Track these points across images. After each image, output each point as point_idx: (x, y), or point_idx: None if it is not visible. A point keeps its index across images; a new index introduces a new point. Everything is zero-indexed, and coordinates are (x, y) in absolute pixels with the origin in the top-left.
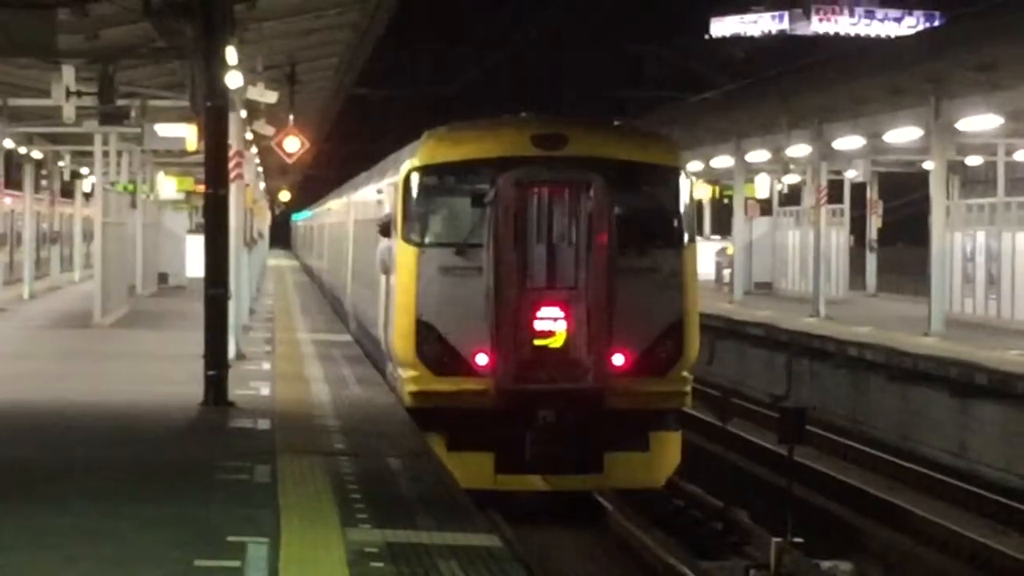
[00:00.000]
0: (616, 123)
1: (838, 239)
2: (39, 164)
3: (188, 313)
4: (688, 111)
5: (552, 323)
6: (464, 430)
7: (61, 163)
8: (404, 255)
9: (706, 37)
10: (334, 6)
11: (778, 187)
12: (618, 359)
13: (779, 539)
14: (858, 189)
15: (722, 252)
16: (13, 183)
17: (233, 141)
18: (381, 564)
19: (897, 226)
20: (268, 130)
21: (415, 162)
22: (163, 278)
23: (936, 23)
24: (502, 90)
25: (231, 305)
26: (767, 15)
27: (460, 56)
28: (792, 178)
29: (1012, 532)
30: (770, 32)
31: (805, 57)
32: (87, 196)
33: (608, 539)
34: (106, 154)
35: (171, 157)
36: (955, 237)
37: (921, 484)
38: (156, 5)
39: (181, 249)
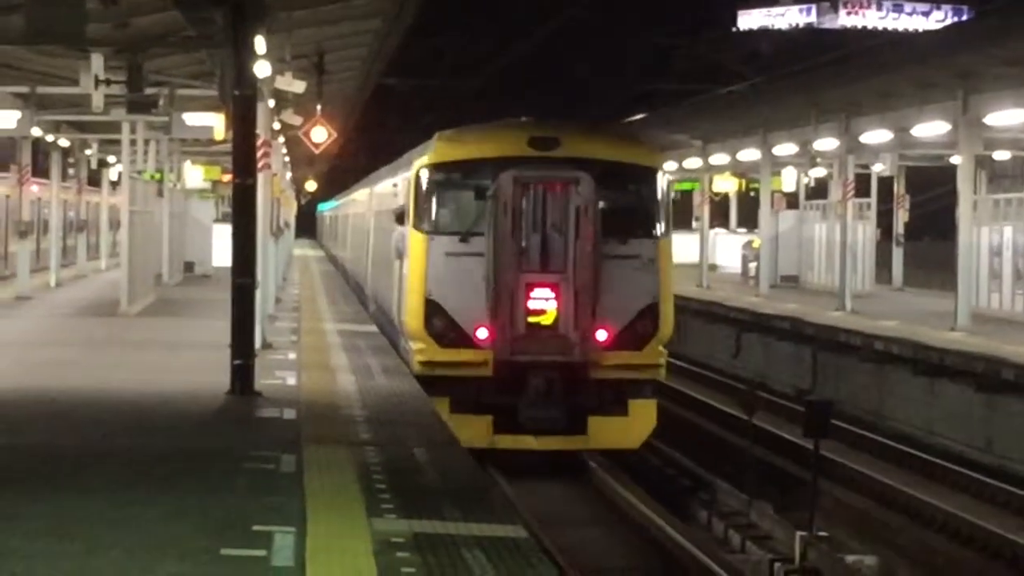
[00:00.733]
0: (603, 126)
1: (865, 233)
2: (66, 152)
3: (214, 302)
4: (715, 104)
5: (544, 303)
6: (466, 395)
7: (88, 151)
8: (415, 241)
9: (733, 30)
10: None
11: (805, 180)
12: (601, 335)
13: (804, 532)
14: (885, 183)
15: (748, 245)
16: (40, 171)
17: (261, 131)
18: (407, 554)
19: (924, 220)
20: (296, 120)
21: (425, 160)
22: (189, 267)
23: (964, 17)
24: (528, 81)
25: (258, 294)
26: (794, 8)
27: (487, 47)
28: (819, 172)
29: None
30: (797, 25)
31: (832, 51)
32: (114, 184)
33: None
34: (133, 143)
35: (198, 146)
36: (982, 232)
37: (947, 479)
38: None
39: (207, 238)
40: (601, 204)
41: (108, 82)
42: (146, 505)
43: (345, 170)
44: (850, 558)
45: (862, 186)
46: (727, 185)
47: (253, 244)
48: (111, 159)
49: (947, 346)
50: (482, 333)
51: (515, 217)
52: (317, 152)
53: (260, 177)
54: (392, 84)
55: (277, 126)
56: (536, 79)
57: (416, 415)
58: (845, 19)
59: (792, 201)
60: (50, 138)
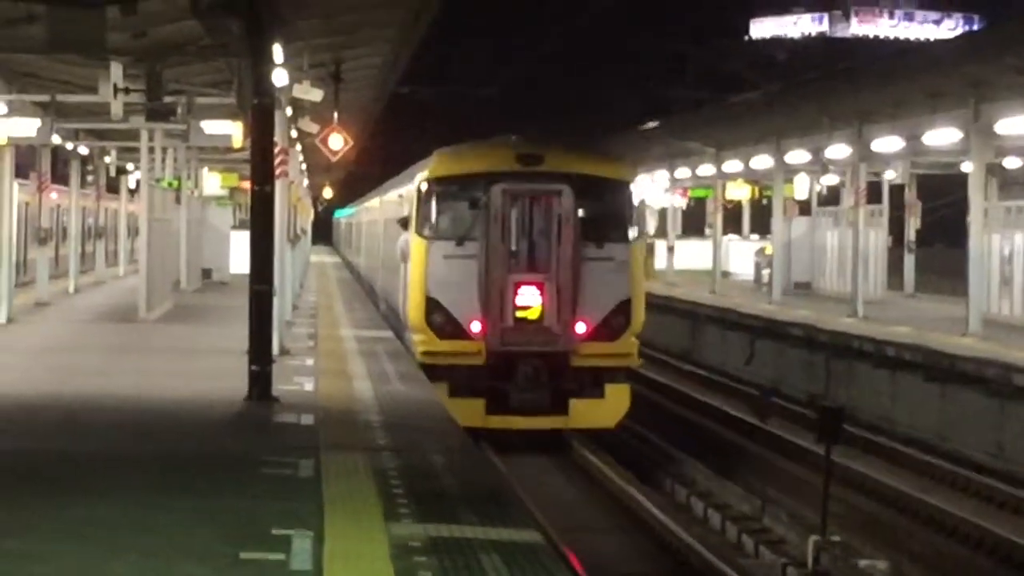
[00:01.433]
0: (582, 144)
1: (876, 240)
2: (85, 160)
3: (232, 308)
4: (728, 112)
5: (530, 299)
6: (462, 381)
7: (107, 159)
8: (417, 245)
9: (746, 39)
10: (379, 4)
11: (817, 188)
12: (581, 327)
13: (817, 537)
14: (897, 190)
15: (761, 252)
16: (60, 178)
17: (278, 138)
18: (424, 558)
19: (935, 227)
20: (313, 127)
21: (426, 174)
22: (207, 274)
23: (975, 26)
24: (543, 89)
25: (275, 301)
26: (807, 17)
27: (503, 55)
28: (831, 179)
29: None
30: (810, 34)
31: (845, 59)
32: (132, 192)
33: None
34: (152, 150)
35: (216, 154)
36: (993, 239)
37: (957, 484)
38: (204, 3)
39: (225, 245)
40: (580, 213)
41: (127, 91)
42: (165, 509)
43: (361, 177)
44: (863, 562)
45: (874, 193)
46: (740, 192)
47: (271, 251)
48: (129, 166)
49: (958, 352)
50: (476, 326)
51: (504, 224)
52: (334, 159)
53: (277, 184)
54: (407, 92)
55: (294, 134)
56: (550, 87)
57: (433, 420)
58: (857, 28)
59: (805, 208)
60: (69, 146)
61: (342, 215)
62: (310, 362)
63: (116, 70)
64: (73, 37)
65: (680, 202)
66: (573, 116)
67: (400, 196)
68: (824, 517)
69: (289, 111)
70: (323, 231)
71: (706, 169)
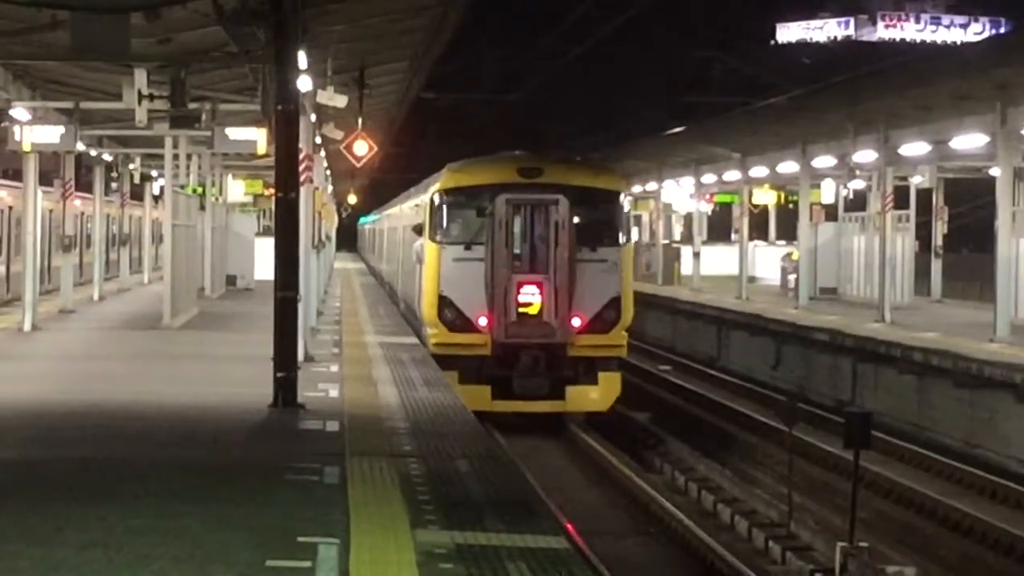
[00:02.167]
0: (578, 158)
1: (903, 245)
2: (109, 167)
3: (256, 315)
4: (754, 117)
5: (531, 297)
6: (470, 370)
7: (131, 166)
8: (430, 249)
9: (772, 43)
10: (404, 10)
11: (843, 192)
12: (576, 322)
13: (844, 543)
14: (924, 195)
15: (787, 257)
16: (84, 185)
17: (303, 145)
18: (450, 565)
19: (962, 232)
20: (337, 134)
21: (438, 186)
22: (231, 280)
23: (1002, 30)
24: (567, 95)
25: (300, 307)
26: (833, 21)
27: (527, 61)
28: (858, 184)
29: None
30: (836, 38)
31: (871, 63)
32: (156, 198)
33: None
34: (176, 157)
35: (240, 160)
36: (1021, 243)
37: (986, 490)
38: (228, 10)
39: (249, 252)
40: (575, 220)
41: (151, 97)
42: (191, 516)
43: (386, 183)
44: (891, 569)
45: (901, 198)
46: (766, 198)
47: (295, 257)
48: (154, 173)
49: (987, 357)
50: (483, 321)
51: (508, 230)
52: (359, 166)
53: (302, 191)
54: (432, 98)
55: (318, 140)
56: (574, 93)
57: (458, 426)
58: (883, 32)
59: (831, 213)
60: (93, 153)
61: (366, 222)
62: (335, 368)
63: (140, 76)
64: (97, 43)
65: (706, 208)
66: (597, 123)
67: (416, 206)
68: (852, 523)
69: (313, 117)
70: (348, 237)
71: (732, 174)
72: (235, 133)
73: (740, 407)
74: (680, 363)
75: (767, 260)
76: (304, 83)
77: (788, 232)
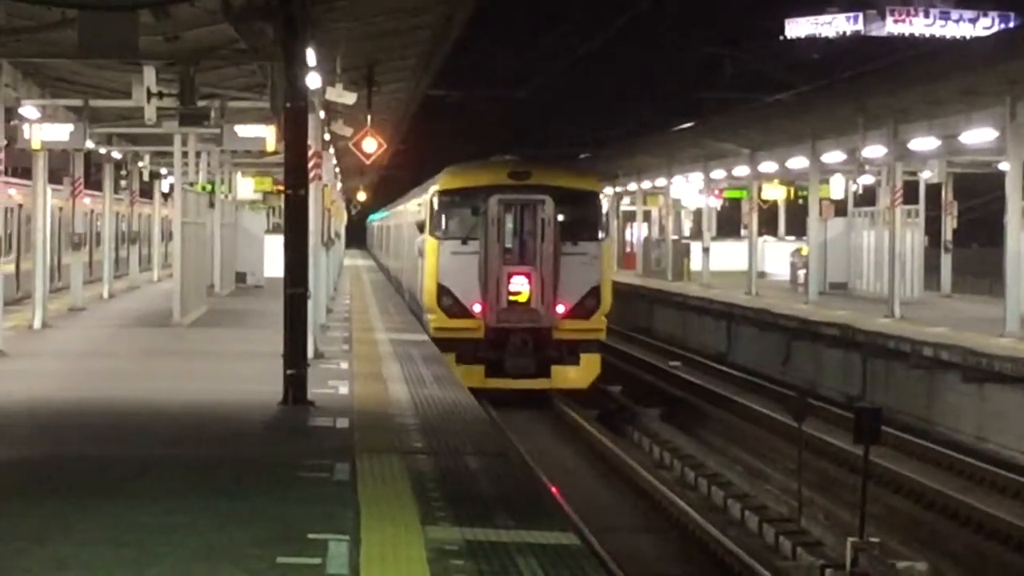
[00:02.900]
0: (562, 162)
1: (913, 240)
2: (119, 164)
3: (266, 312)
4: (763, 112)
5: (520, 286)
6: (466, 351)
7: (140, 163)
8: (430, 244)
9: (781, 38)
10: (412, 7)
11: (853, 188)
12: (560, 308)
13: (855, 538)
14: (933, 190)
15: (797, 253)
16: (93, 183)
17: (312, 142)
18: (460, 561)
19: (972, 227)
20: (346, 131)
21: (437, 187)
22: (241, 278)
23: (1011, 24)
24: (575, 92)
25: (310, 304)
26: (841, 16)
27: (535, 58)
28: (867, 179)
29: None
30: (844, 33)
31: (880, 58)
32: (166, 196)
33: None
34: (185, 154)
35: (249, 157)
36: None
37: (996, 484)
38: (237, 7)
39: (259, 249)
40: (560, 217)
41: (160, 95)
42: (201, 513)
43: (395, 180)
44: (901, 564)
45: (910, 193)
46: (775, 193)
47: (305, 254)
48: (163, 171)
49: (996, 352)
50: (477, 308)
51: (500, 227)
52: (368, 163)
53: (311, 188)
54: (441, 95)
55: (328, 137)
56: (583, 89)
57: (468, 423)
58: (892, 27)
59: (840, 208)
60: (102, 151)
61: (375, 219)
62: (345, 365)
63: (149, 74)
64: (105, 41)
65: (715, 203)
66: (604, 119)
67: (418, 204)
68: (862, 518)
69: (322, 114)
70: (357, 234)
71: (741, 170)
72: (244, 130)
73: (749, 402)
74: (690, 359)
75: (777, 255)
76: (313, 80)
77: (797, 227)
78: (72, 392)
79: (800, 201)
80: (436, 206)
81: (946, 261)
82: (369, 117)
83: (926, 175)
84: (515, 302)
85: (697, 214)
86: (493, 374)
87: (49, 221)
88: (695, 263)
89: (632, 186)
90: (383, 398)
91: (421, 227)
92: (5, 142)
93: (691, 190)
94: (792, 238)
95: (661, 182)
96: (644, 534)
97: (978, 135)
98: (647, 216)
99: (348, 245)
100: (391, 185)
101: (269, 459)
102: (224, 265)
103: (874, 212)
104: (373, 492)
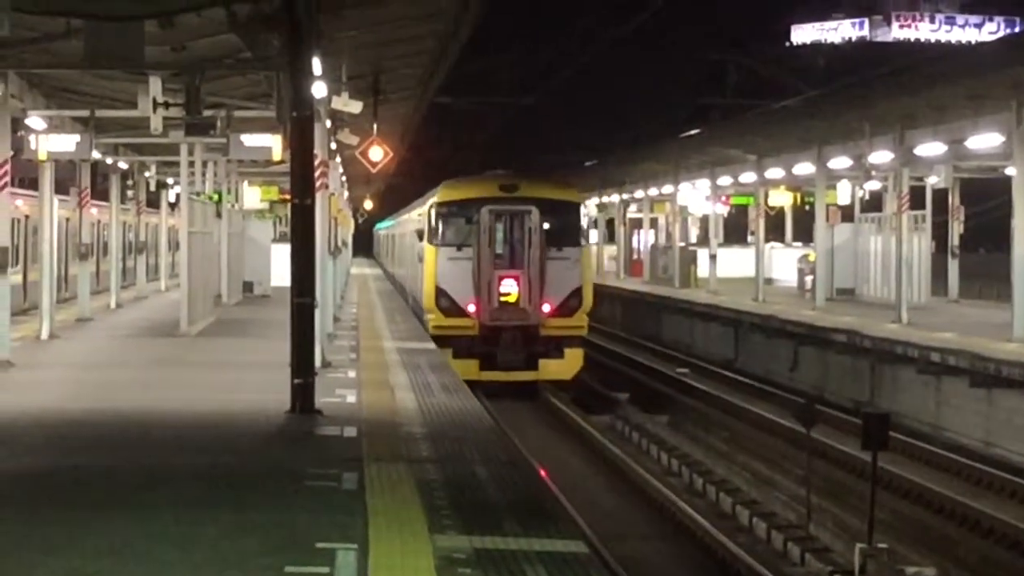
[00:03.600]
0: (548, 175)
1: (920, 245)
2: (125, 174)
3: (273, 322)
4: (769, 118)
5: (510, 288)
6: (462, 347)
7: (147, 173)
8: (428, 251)
9: (786, 44)
10: (417, 16)
11: (859, 193)
12: (546, 308)
13: (863, 545)
14: (940, 195)
15: (804, 259)
16: (100, 193)
17: (318, 151)
18: (469, 570)
19: (979, 232)
20: (352, 139)
21: (435, 199)
22: (248, 287)
23: (1017, 29)
24: (582, 98)
25: (317, 313)
26: (847, 22)
27: (540, 65)
28: (874, 184)
29: None
30: (850, 39)
31: (886, 64)
32: (172, 206)
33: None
34: (191, 164)
35: (255, 167)
36: None
37: (1005, 490)
38: (243, 17)
39: (266, 258)
40: (545, 226)
41: (166, 105)
42: (209, 523)
43: (401, 188)
44: (910, 570)
45: (917, 198)
46: (782, 199)
47: (312, 263)
48: (169, 180)
49: (1004, 357)
50: (471, 307)
51: (491, 235)
52: (374, 171)
53: (318, 197)
54: (447, 103)
55: (334, 146)
56: (589, 96)
57: (476, 432)
58: (898, 32)
59: (847, 214)
60: (109, 161)
61: (381, 227)
62: (352, 374)
63: (155, 84)
64: (111, 51)
65: (722, 210)
66: (611, 127)
67: (419, 216)
68: (871, 524)
69: (328, 123)
70: (364, 243)
71: (748, 176)
72: (250, 140)
73: (758, 408)
74: (698, 365)
75: (784, 262)
76: (319, 89)
77: (804, 233)
78: (80, 402)
79: (807, 207)
80: (434, 217)
81: (953, 266)
82: (375, 126)
83: (933, 180)
84: (506, 302)
85: (704, 221)
86: (486, 367)
87: (56, 232)
88: (702, 270)
89: (639, 193)
90: (391, 406)
91: (421, 235)
92: (12, 153)
93: (698, 197)
94: (799, 244)
95: (668, 189)
96: (653, 541)
97: (985, 140)
98: (654, 223)
99: (355, 254)
100: (398, 193)
101: (277, 468)
102: (231, 275)
103: (881, 218)
104: (381, 501)
